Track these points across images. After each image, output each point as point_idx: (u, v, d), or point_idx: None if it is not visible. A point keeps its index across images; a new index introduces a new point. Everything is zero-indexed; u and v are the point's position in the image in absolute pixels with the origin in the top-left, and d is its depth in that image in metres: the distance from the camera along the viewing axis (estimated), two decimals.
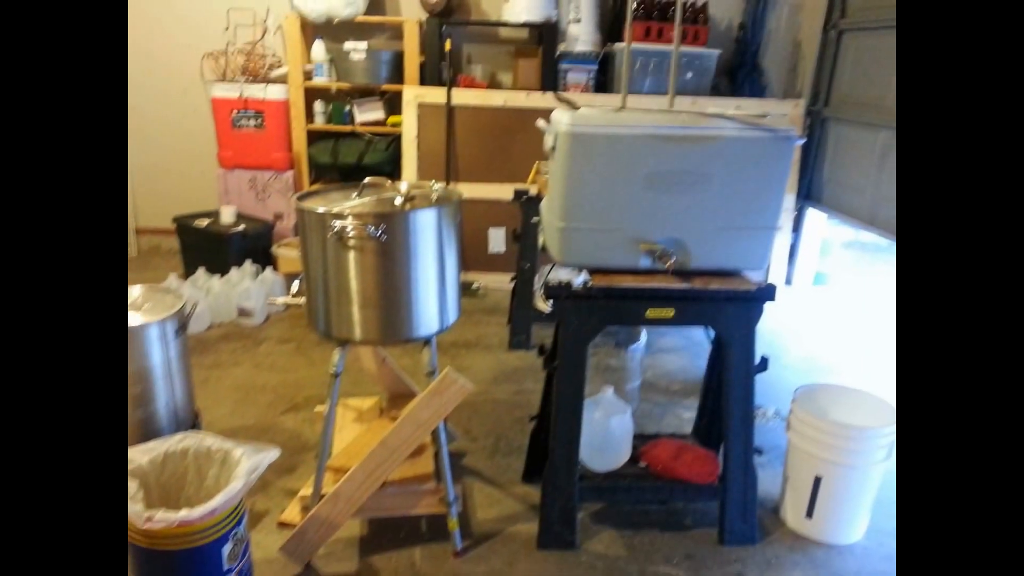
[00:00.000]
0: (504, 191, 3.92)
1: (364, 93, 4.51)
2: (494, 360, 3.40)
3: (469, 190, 4.14)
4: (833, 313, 4.26)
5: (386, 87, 4.45)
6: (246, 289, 3.71)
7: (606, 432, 2.17)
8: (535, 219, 3.03)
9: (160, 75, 4.63)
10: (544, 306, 3.37)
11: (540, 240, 2.17)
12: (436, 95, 4.24)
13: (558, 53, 4.36)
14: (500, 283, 4.30)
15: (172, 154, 4.78)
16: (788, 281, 4.64)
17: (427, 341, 1.96)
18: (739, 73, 4.62)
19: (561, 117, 1.83)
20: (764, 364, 2.03)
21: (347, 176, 4.38)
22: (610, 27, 4.49)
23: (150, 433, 2.06)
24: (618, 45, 4.26)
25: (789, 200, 4.35)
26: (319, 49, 4.37)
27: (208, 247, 4.08)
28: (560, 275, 1.96)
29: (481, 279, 4.39)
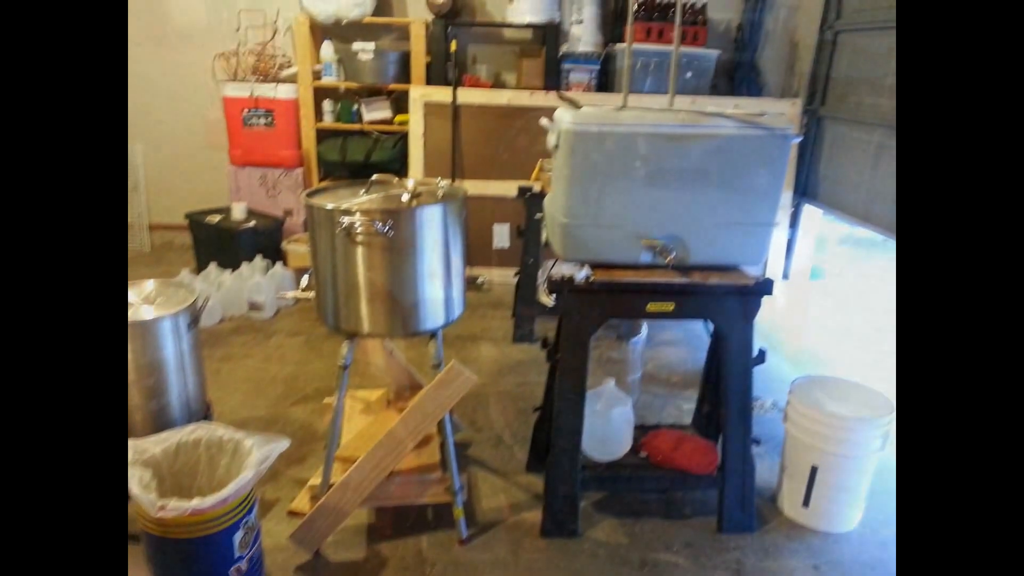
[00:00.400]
0: (508, 188, 3.97)
1: (372, 92, 4.55)
2: (498, 353, 3.44)
3: (474, 187, 4.17)
4: (829, 307, 4.30)
5: (393, 86, 4.49)
6: (257, 284, 3.77)
7: (608, 423, 2.20)
8: (538, 215, 3.05)
9: (173, 75, 4.68)
10: (547, 300, 3.38)
11: (543, 236, 2.20)
12: (442, 94, 4.28)
13: (561, 53, 4.39)
14: (504, 277, 4.35)
15: (184, 152, 4.84)
16: (785, 276, 4.65)
17: (433, 334, 1.99)
18: (738, 73, 4.64)
19: (564, 116, 1.86)
20: (762, 356, 2.06)
21: (355, 173, 4.41)
22: (612, 28, 4.53)
23: (163, 424, 2.10)
24: (619, 46, 4.29)
25: (786, 197, 4.36)
26: (328, 49, 4.42)
27: (220, 243, 4.13)
28: (563, 270, 1.98)
29: (486, 274, 4.42)
